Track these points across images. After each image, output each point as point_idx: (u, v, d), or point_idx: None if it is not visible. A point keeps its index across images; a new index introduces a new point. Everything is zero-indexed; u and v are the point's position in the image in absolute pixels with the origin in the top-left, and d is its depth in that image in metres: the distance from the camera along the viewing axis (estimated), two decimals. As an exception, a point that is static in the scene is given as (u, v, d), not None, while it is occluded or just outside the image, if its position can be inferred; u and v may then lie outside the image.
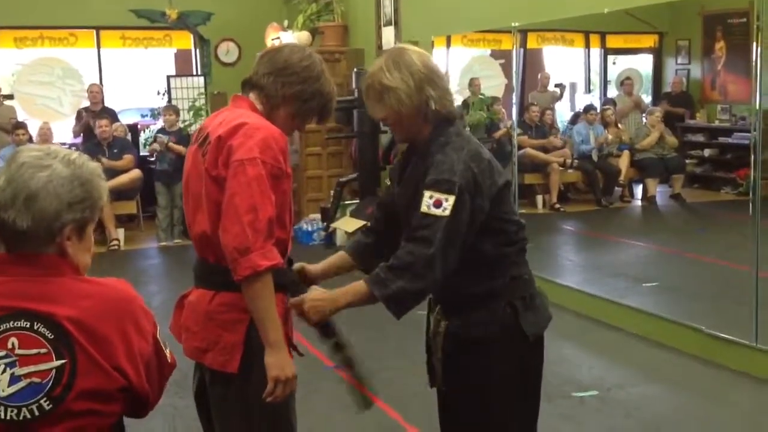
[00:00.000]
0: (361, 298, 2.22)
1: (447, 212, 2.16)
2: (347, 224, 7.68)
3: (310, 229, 8.25)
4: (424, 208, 2.18)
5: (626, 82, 8.63)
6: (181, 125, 8.85)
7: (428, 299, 2.45)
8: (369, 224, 2.65)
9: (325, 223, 8.18)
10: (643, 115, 8.43)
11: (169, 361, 1.73)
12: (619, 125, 8.46)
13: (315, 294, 2.28)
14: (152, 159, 8.89)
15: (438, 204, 2.17)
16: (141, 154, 9.33)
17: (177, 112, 8.82)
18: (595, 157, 8.28)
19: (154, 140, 8.70)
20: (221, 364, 2.25)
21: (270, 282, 2.15)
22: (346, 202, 8.15)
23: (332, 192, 8.26)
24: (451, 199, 2.16)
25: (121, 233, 8.46)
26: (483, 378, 2.33)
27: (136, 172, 8.55)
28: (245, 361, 2.23)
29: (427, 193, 2.18)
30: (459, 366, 2.37)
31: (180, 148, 8.37)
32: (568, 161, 8.36)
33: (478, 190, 2.22)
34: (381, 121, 2.37)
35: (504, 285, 2.33)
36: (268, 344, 2.18)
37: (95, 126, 8.62)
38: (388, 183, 2.59)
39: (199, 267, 2.36)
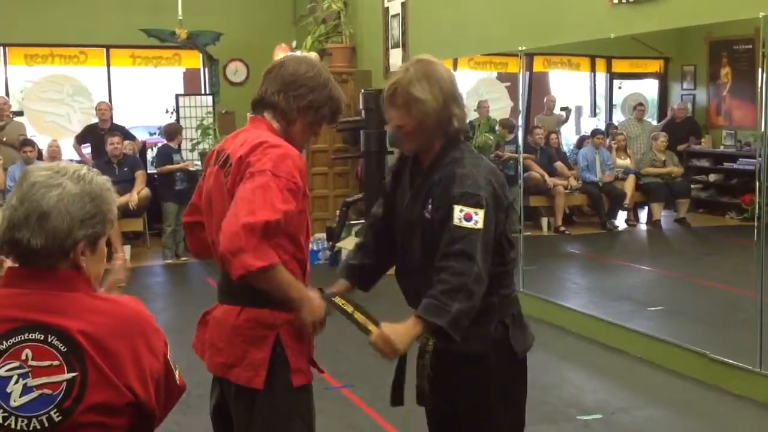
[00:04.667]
0: (421, 332, 2.20)
1: (479, 225, 2.19)
2: (352, 244, 7.68)
3: (315, 248, 8.27)
4: (455, 221, 2.20)
5: (639, 108, 8.68)
6: (189, 144, 8.91)
7: None
8: (361, 241, 2.64)
9: (330, 243, 8.20)
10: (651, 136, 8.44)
11: (179, 383, 1.74)
12: (628, 150, 8.50)
13: (385, 334, 2.22)
14: (156, 176, 8.93)
15: (468, 218, 2.20)
16: (148, 171, 9.35)
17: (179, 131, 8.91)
18: (600, 182, 8.31)
19: (168, 162, 8.67)
20: (247, 380, 2.26)
21: (276, 275, 2.14)
22: (352, 222, 8.17)
23: (338, 212, 8.29)
24: (481, 212, 2.20)
25: (127, 250, 8.48)
26: (475, 394, 2.34)
27: (146, 191, 8.59)
28: (270, 377, 2.25)
29: (456, 207, 2.21)
30: (450, 383, 2.37)
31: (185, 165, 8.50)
32: (573, 184, 8.38)
33: (499, 204, 2.27)
34: (395, 128, 2.37)
35: (496, 302, 2.35)
36: (295, 304, 2.21)
37: (106, 143, 8.64)
38: (381, 199, 2.58)
39: (224, 283, 2.37)
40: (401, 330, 2.20)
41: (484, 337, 2.32)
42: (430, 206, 2.29)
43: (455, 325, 2.16)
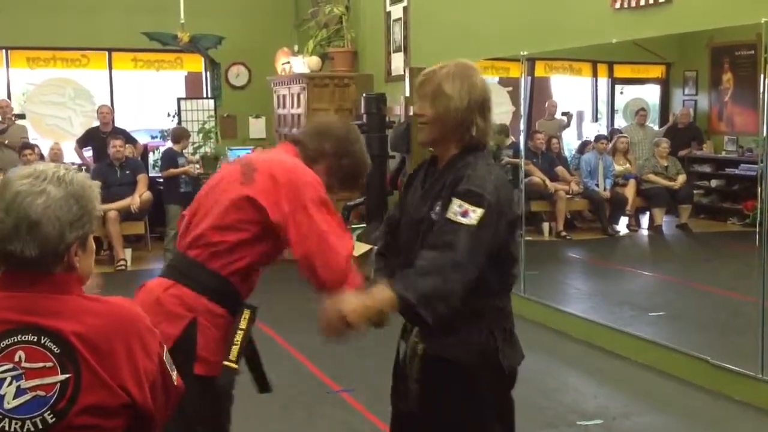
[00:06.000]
0: (389, 304, 2.14)
1: (473, 221, 2.18)
2: (354, 248, 7.68)
3: (316, 252, 8.25)
4: (450, 215, 2.20)
5: (640, 113, 8.67)
6: (191, 147, 8.89)
7: (403, 324, 2.43)
8: (379, 246, 2.65)
9: (331, 247, 8.18)
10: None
11: (176, 384, 1.73)
12: (629, 155, 8.49)
13: (350, 302, 2.16)
14: (160, 180, 8.92)
15: (465, 213, 2.19)
16: (150, 174, 9.34)
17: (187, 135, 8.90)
18: (603, 191, 8.31)
19: (173, 165, 8.65)
20: None
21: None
22: (354, 226, 8.16)
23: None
24: (479, 211, 2.19)
25: (128, 253, 8.47)
26: (460, 401, 2.31)
27: (147, 195, 8.57)
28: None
29: (456, 201, 2.21)
30: (435, 389, 2.34)
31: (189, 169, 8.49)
32: (575, 189, 8.37)
33: (502, 213, 2.26)
34: (416, 115, 2.40)
35: (487, 310, 2.32)
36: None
37: (108, 146, 8.62)
38: (398, 201, 2.60)
39: (176, 259, 2.51)
40: (354, 299, 2.17)
41: (467, 346, 2.29)
42: (438, 207, 2.28)
43: (425, 302, 2.11)
